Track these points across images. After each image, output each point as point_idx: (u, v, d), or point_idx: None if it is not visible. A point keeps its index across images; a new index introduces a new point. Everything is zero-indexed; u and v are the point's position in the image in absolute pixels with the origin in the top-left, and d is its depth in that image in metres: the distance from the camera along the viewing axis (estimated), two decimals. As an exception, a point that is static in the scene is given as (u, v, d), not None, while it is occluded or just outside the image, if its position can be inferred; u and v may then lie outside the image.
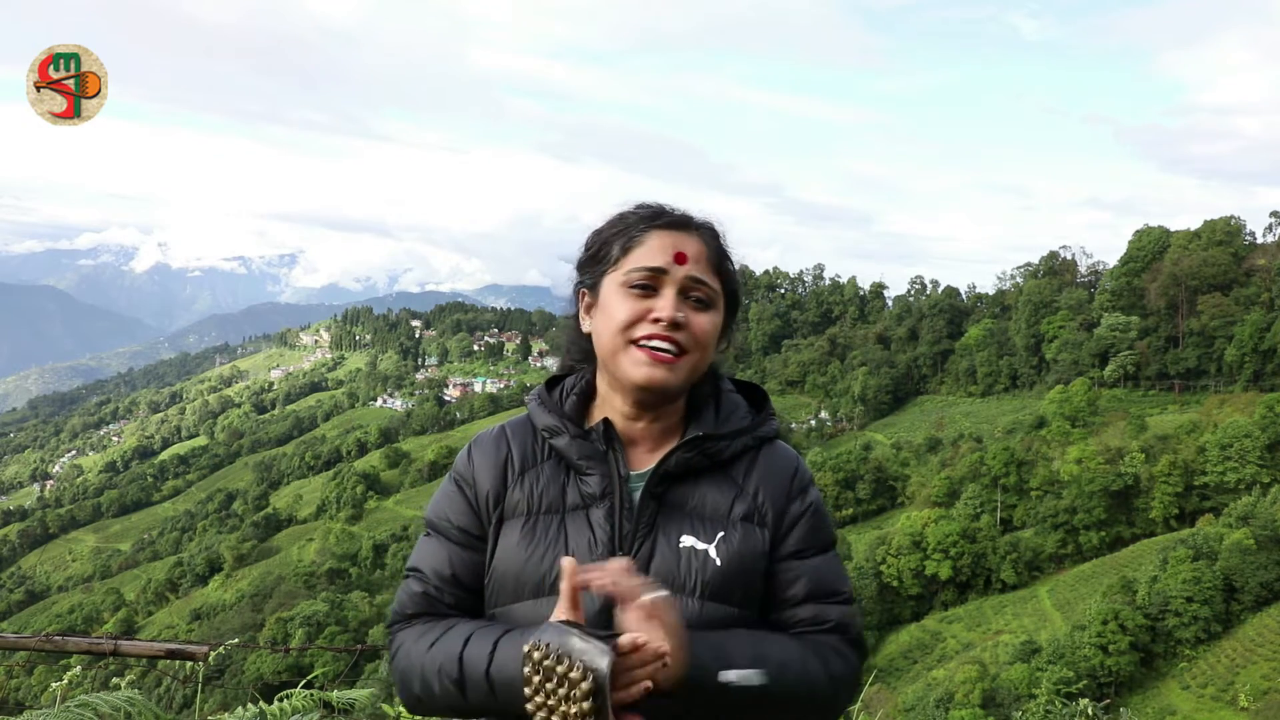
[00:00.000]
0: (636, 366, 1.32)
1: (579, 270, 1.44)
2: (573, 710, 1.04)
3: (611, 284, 1.36)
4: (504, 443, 1.43)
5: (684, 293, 1.35)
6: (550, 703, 1.06)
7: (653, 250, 1.35)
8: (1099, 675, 38.65)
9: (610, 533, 1.34)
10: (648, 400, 1.37)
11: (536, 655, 1.08)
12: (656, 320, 1.32)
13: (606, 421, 1.38)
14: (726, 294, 1.41)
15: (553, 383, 1.48)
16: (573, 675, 1.05)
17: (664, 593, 1.19)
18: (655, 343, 1.32)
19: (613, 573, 1.17)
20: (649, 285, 1.34)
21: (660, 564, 1.33)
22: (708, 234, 1.40)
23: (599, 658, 1.06)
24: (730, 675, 1.21)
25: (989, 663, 42.24)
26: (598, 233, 1.41)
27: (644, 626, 1.15)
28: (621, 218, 1.40)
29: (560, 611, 1.17)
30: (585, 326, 1.43)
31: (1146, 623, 41.03)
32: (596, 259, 1.40)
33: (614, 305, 1.35)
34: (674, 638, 1.17)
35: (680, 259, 1.35)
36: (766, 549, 1.38)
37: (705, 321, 1.36)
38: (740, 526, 1.37)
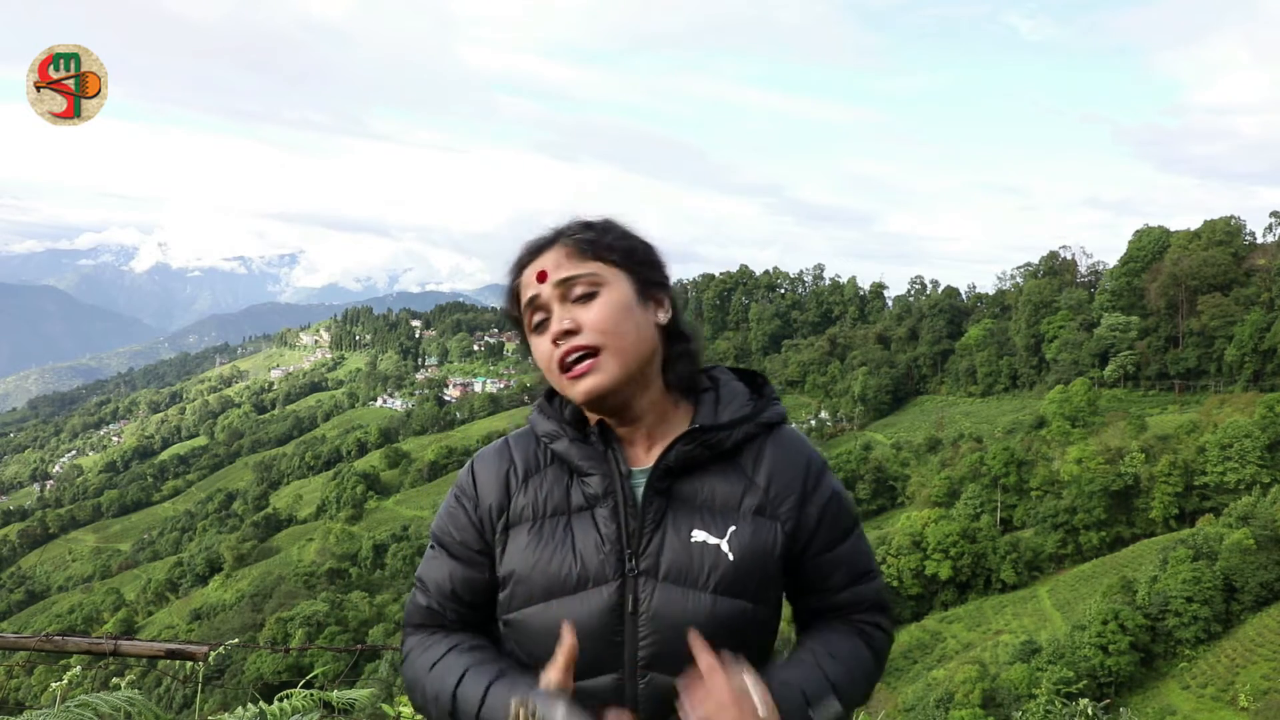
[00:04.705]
0: (571, 389, 1.34)
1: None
2: None
3: (530, 337, 1.41)
4: (506, 454, 1.44)
5: (564, 300, 1.35)
6: None
7: (525, 289, 1.38)
8: (1099, 675, 38.62)
9: (617, 531, 1.34)
10: (607, 408, 1.37)
11: (520, 715, 1.10)
12: (555, 345, 1.34)
13: (602, 423, 1.39)
14: (621, 264, 1.38)
15: (554, 392, 1.48)
16: None
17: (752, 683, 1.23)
18: (568, 359, 1.33)
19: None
20: (541, 320, 1.37)
21: (672, 559, 1.33)
22: (569, 233, 1.39)
23: None
24: (817, 715, 1.29)
25: (989, 663, 42.21)
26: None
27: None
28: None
29: (553, 676, 1.21)
30: None
31: (1146, 623, 41.01)
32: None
33: (534, 354, 1.39)
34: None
35: (542, 278, 1.36)
36: (779, 542, 1.37)
37: (597, 308, 1.34)
38: (751, 520, 1.36)
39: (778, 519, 1.38)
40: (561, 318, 1.34)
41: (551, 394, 1.47)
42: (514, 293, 1.41)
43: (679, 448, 1.36)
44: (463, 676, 1.31)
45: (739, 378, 1.49)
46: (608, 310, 1.33)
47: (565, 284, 1.34)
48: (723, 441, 1.38)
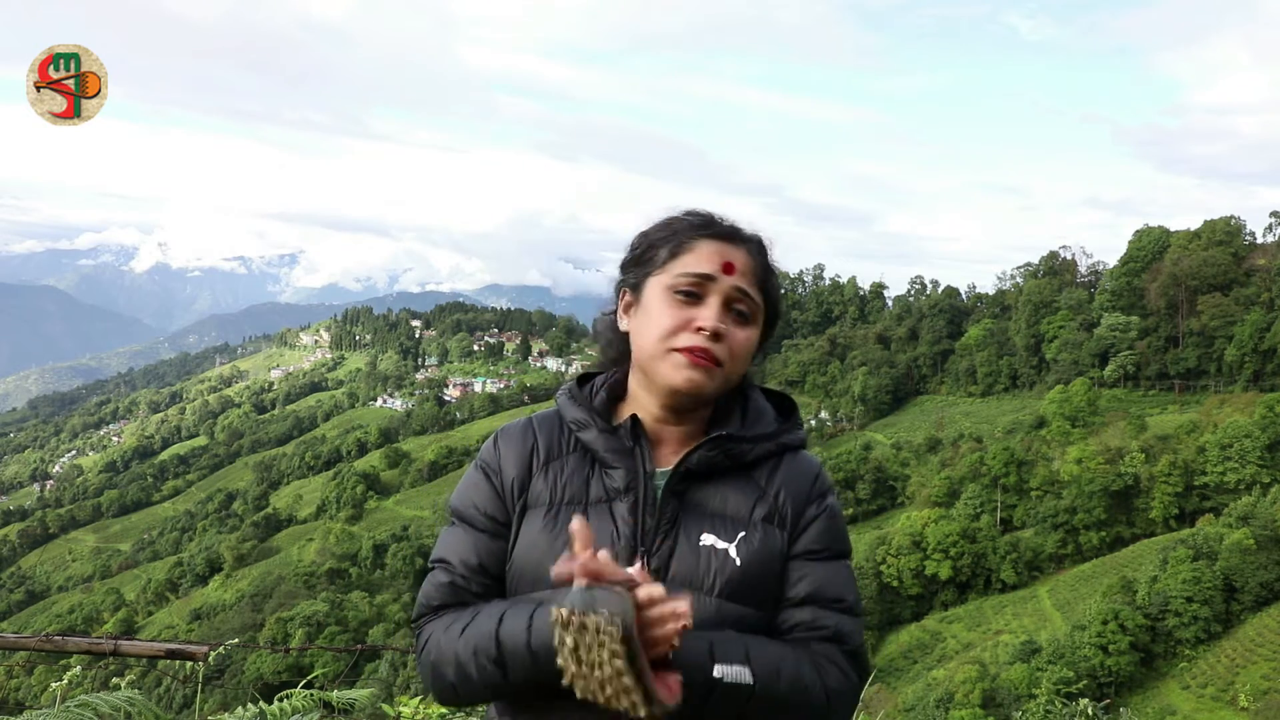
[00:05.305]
0: (677, 370, 1.33)
1: (622, 270, 1.45)
2: (606, 657, 1.04)
3: (657, 287, 1.37)
4: (530, 433, 1.43)
5: (728, 304, 1.36)
6: (586, 657, 1.05)
7: (701, 258, 1.35)
8: (1099, 675, 38.64)
9: (633, 527, 1.34)
10: (681, 404, 1.38)
11: (564, 615, 1.07)
12: (699, 329, 1.33)
13: (635, 418, 1.39)
14: (767, 309, 1.42)
15: (584, 379, 1.49)
16: (601, 624, 1.04)
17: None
18: (695, 349, 1.33)
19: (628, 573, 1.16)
20: (694, 292, 1.35)
21: (681, 562, 1.33)
22: (755, 247, 1.41)
23: (623, 603, 1.06)
24: (721, 670, 1.20)
25: (989, 663, 42.23)
26: (644, 235, 1.42)
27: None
28: (670, 223, 1.41)
29: (579, 575, 1.16)
30: (623, 325, 1.43)
31: (1146, 623, 41.03)
32: (641, 261, 1.40)
33: (657, 310, 1.35)
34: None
35: (729, 269, 1.35)
36: (785, 550, 1.38)
37: (744, 336, 1.37)
38: (761, 527, 1.37)
39: (784, 527, 1.39)
40: (720, 317, 1.34)
41: (582, 381, 1.48)
42: (678, 246, 1.37)
43: (701, 452, 1.37)
44: (502, 618, 1.25)
45: (769, 398, 1.50)
46: (748, 344, 1.38)
47: (739, 293, 1.36)
48: (745, 452, 1.39)
